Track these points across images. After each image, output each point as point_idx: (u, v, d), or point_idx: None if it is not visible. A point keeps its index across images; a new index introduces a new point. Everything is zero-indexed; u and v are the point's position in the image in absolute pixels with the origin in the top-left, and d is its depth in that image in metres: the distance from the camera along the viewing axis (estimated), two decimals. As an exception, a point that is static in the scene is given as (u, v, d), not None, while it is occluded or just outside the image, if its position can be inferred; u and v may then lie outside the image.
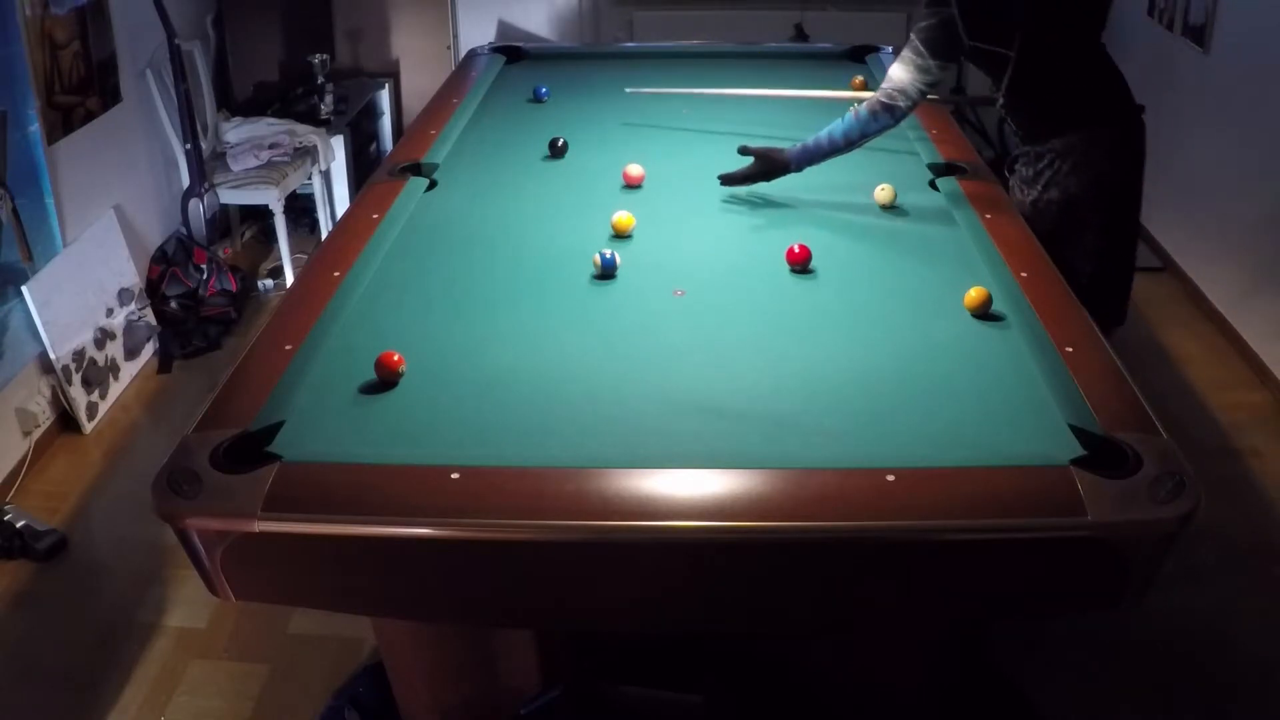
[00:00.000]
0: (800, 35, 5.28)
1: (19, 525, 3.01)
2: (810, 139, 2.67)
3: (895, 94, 2.58)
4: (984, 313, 2.12)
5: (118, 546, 3.04)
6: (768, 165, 2.68)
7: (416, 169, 2.86)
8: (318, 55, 4.81)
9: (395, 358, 1.92)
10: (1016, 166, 2.78)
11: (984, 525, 1.56)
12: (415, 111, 4.55)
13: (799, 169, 2.67)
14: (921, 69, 2.55)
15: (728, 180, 2.71)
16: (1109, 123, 2.64)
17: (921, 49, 2.54)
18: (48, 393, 3.47)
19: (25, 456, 3.33)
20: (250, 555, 1.61)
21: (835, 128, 2.63)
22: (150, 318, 3.98)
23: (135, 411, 3.70)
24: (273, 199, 4.28)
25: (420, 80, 5.34)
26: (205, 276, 4.17)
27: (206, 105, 4.35)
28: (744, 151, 2.71)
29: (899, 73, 2.58)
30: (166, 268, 4.12)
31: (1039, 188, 2.68)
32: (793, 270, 2.33)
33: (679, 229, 2.57)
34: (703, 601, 1.67)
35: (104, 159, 3.81)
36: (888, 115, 2.59)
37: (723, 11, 5.42)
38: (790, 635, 1.98)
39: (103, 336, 3.68)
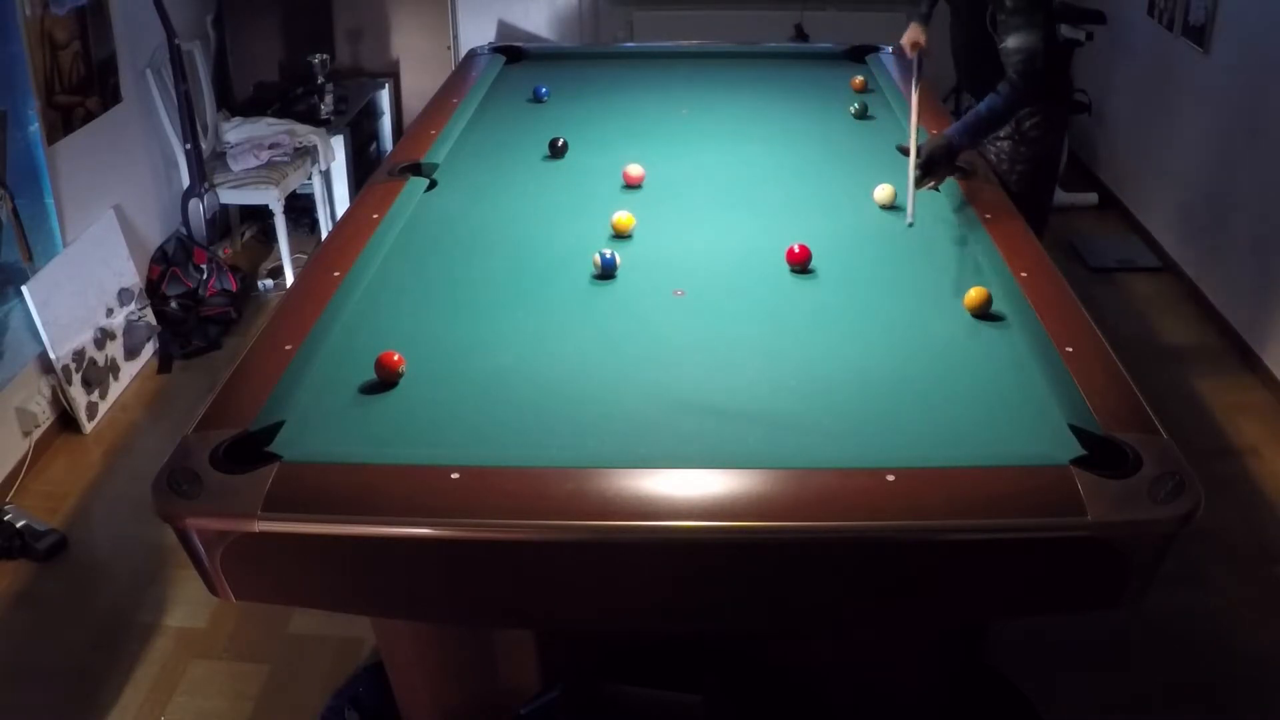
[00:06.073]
0: (800, 35, 5.28)
1: (19, 525, 3.01)
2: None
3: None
4: (984, 313, 2.12)
5: (118, 546, 3.04)
6: (940, 152, 2.67)
7: (416, 169, 2.85)
8: (318, 55, 4.81)
9: (395, 358, 1.92)
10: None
11: (984, 525, 1.56)
12: (415, 111, 4.55)
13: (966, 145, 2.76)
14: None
15: (927, 177, 2.65)
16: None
17: None
18: (48, 393, 3.47)
19: (25, 456, 3.33)
20: (250, 555, 1.61)
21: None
22: (150, 318, 3.98)
23: (135, 411, 3.70)
24: (273, 199, 4.28)
25: (420, 80, 5.34)
26: (205, 276, 4.17)
27: (206, 105, 4.35)
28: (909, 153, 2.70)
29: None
30: (166, 268, 4.12)
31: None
32: (793, 270, 2.33)
33: (679, 229, 2.57)
34: (702, 601, 1.67)
35: (104, 159, 3.81)
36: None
37: (723, 11, 5.41)
38: (790, 634, 1.98)
39: (103, 336, 3.68)
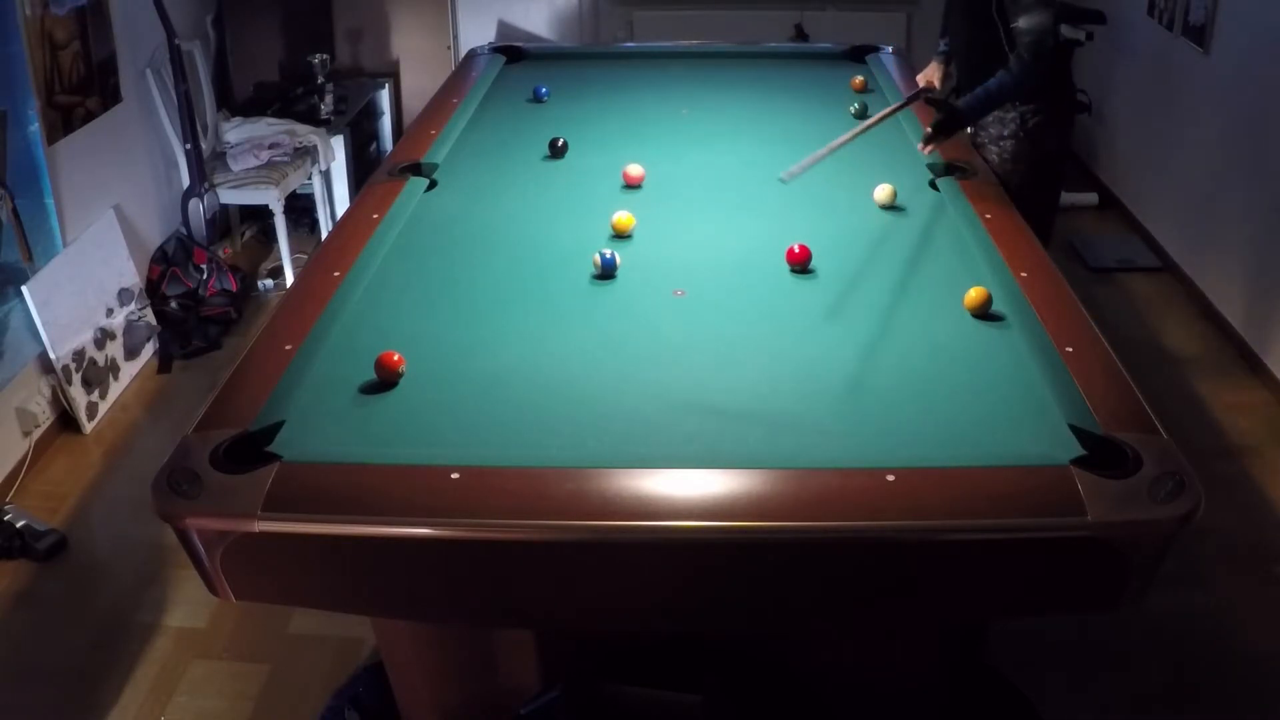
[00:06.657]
0: (800, 35, 5.29)
1: (19, 525, 3.01)
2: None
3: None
4: (984, 313, 2.12)
5: (118, 546, 3.04)
6: (947, 121, 2.87)
7: (416, 169, 2.86)
8: (318, 55, 4.81)
9: (395, 358, 1.92)
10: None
11: (984, 525, 1.56)
12: (415, 111, 4.55)
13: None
14: None
15: (931, 140, 2.86)
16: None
17: None
18: (48, 393, 3.47)
19: (25, 456, 3.33)
20: (250, 555, 1.61)
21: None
22: (150, 318, 3.98)
23: (135, 411, 3.70)
24: (273, 199, 4.28)
25: (420, 80, 5.34)
26: (205, 276, 4.16)
27: (206, 105, 4.35)
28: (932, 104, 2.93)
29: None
30: (166, 268, 4.12)
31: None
32: (793, 270, 2.33)
33: (679, 229, 2.57)
34: (702, 601, 1.67)
35: (104, 159, 3.81)
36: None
37: (723, 11, 5.42)
38: (790, 634, 1.98)
39: (103, 336, 3.68)
